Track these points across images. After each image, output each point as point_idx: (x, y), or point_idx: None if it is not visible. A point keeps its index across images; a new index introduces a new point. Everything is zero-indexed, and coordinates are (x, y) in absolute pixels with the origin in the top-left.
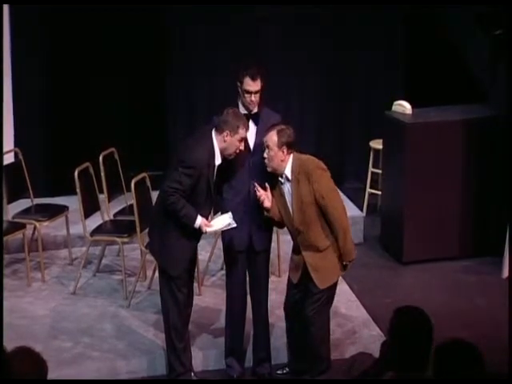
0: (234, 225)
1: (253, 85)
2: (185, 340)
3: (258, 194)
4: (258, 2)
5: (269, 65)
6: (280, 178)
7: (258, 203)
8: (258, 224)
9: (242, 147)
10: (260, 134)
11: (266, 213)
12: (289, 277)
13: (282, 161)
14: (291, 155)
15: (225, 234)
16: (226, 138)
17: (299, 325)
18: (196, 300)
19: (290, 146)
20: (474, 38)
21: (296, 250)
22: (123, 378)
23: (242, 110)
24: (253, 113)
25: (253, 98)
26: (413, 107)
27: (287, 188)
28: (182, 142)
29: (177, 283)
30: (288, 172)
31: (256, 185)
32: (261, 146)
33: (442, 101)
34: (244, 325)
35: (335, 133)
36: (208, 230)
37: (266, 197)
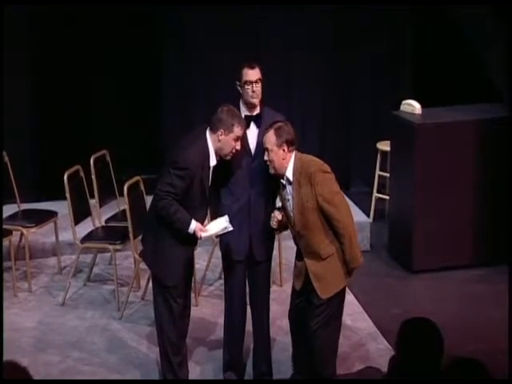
0: (231, 228)
1: (252, 73)
2: (181, 354)
3: (274, 223)
4: (260, 2)
5: (270, 64)
6: (281, 180)
7: (258, 210)
8: (258, 232)
9: (238, 147)
10: (262, 137)
11: (276, 233)
12: (293, 284)
13: (284, 159)
14: (293, 154)
15: (223, 242)
16: (220, 138)
17: (304, 336)
18: (192, 311)
19: (291, 143)
20: (488, 33)
21: (298, 256)
22: None
23: (244, 112)
24: (254, 114)
25: (254, 89)
26: (422, 107)
27: (288, 190)
28: (175, 143)
29: (172, 293)
30: (289, 173)
31: (276, 214)
32: (262, 149)
33: (453, 100)
34: (243, 337)
35: (340, 134)
36: (203, 234)
37: (278, 223)
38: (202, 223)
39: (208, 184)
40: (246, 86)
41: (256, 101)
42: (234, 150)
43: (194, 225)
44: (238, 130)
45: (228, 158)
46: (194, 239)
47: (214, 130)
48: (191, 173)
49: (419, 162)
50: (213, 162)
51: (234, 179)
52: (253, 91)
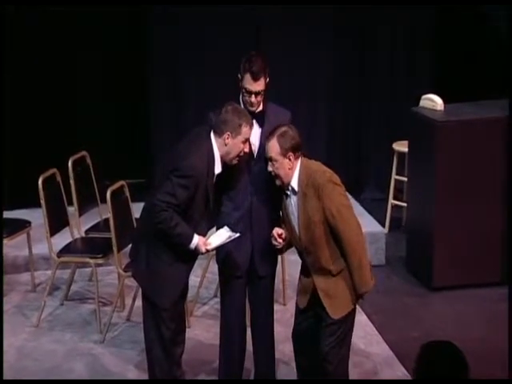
0: (238, 234)
1: (254, 85)
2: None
3: (276, 242)
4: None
5: (275, 63)
6: (286, 190)
7: (261, 218)
8: (261, 243)
9: (246, 149)
10: (265, 138)
11: (278, 253)
12: (297, 301)
13: (290, 169)
14: (299, 161)
15: (221, 255)
16: (227, 141)
17: (311, 360)
18: None
19: (297, 150)
20: None
21: (305, 272)
22: None
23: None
24: (257, 111)
25: (253, 99)
26: (444, 102)
27: (293, 201)
28: (173, 147)
29: (163, 317)
30: (294, 183)
31: (275, 233)
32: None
33: (479, 94)
34: (243, 363)
35: (351, 133)
36: (208, 248)
37: (282, 244)
38: (204, 237)
39: (212, 194)
40: (246, 94)
41: (254, 109)
42: (241, 153)
43: (196, 239)
44: (246, 131)
45: (235, 162)
46: (194, 255)
47: (219, 133)
48: (196, 181)
49: (441, 164)
50: (218, 169)
51: (233, 184)
52: (251, 101)
